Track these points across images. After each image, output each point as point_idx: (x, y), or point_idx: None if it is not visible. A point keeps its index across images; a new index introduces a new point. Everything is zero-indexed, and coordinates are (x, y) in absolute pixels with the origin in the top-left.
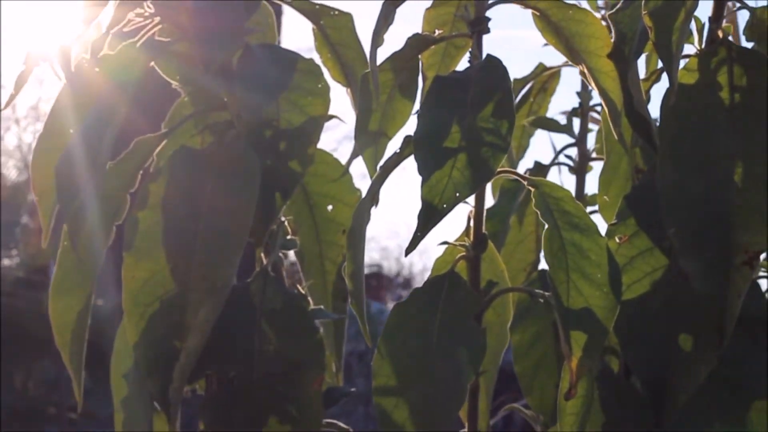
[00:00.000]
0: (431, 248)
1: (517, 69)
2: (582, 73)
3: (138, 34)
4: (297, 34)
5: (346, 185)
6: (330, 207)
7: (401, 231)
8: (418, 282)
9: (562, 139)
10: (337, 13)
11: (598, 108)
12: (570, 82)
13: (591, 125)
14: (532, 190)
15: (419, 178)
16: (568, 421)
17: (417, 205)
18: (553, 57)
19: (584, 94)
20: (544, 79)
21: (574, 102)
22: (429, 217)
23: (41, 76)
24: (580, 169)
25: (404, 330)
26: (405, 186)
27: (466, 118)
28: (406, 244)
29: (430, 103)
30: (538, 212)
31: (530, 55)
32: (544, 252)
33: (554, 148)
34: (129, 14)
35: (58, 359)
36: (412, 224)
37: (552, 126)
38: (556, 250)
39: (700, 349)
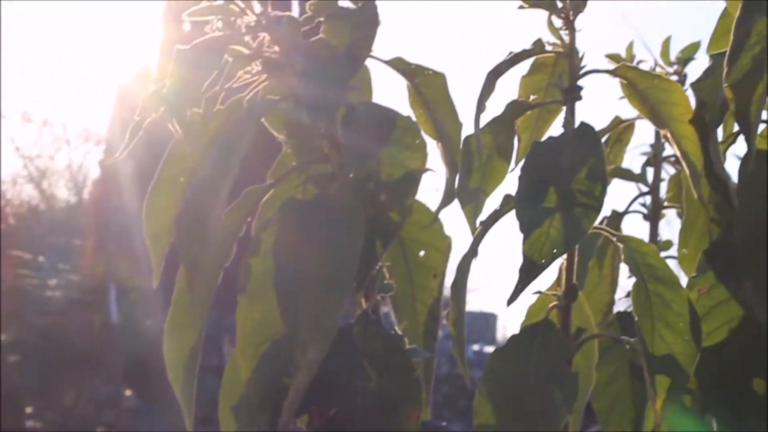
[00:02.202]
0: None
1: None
2: (665, 136)
3: (246, 90)
4: None
5: (437, 232)
6: (422, 252)
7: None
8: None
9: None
10: (431, 72)
11: (671, 158)
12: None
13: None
14: (621, 245)
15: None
16: None
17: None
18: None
19: (657, 145)
20: (620, 130)
21: (640, 148)
22: (529, 270)
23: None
24: (653, 217)
25: (503, 373)
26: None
27: (562, 181)
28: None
29: (529, 166)
30: (628, 266)
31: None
32: (633, 302)
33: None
34: (239, 72)
35: (108, 379)
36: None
37: (628, 176)
38: (643, 300)
39: None
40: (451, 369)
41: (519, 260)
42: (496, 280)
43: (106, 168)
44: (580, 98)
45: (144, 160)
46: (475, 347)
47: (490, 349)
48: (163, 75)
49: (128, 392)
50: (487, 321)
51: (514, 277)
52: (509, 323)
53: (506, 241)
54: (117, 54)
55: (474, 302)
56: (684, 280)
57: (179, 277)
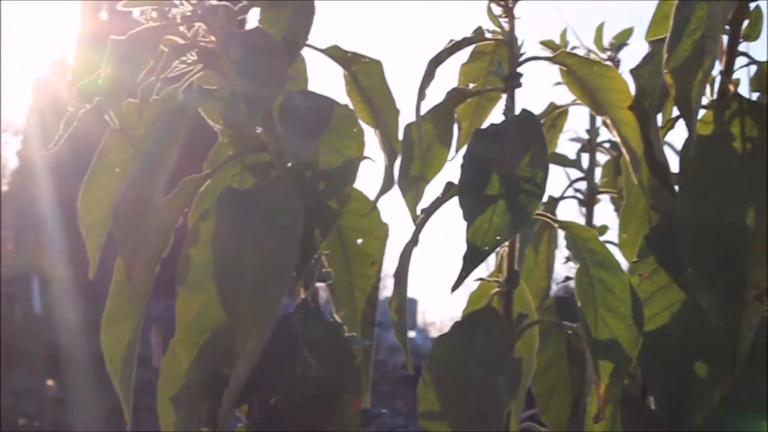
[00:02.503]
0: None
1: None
2: (604, 122)
3: (182, 80)
4: None
5: (375, 220)
6: (360, 240)
7: None
8: (388, 285)
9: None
10: (368, 60)
11: (605, 144)
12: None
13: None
14: (564, 232)
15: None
16: None
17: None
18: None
19: (592, 131)
20: (555, 116)
21: (569, 134)
22: (473, 257)
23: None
24: (589, 202)
25: (447, 360)
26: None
27: (505, 168)
28: None
29: (472, 153)
30: (570, 252)
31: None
32: (575, 288)
33: (569, 178)
34: (175, 62)
35: (30, 370)
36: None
37: (563, 161)
38: (585, 285)
39: (714, 376)
40: (375, 355)
41: (462, 247)
42: (417, 266)
43: (24, 159)
44: (520, 85)
45: (63, 151)
46: None
47: (412, 334)
48: (81, 66)
49: (50, 383)
50: (408, 306)
51: (447, 264)
52: (429, 309)
53: (428, 228)
54: (33, 45)
55: None
56: (624, 265)
57: (117, 269)
